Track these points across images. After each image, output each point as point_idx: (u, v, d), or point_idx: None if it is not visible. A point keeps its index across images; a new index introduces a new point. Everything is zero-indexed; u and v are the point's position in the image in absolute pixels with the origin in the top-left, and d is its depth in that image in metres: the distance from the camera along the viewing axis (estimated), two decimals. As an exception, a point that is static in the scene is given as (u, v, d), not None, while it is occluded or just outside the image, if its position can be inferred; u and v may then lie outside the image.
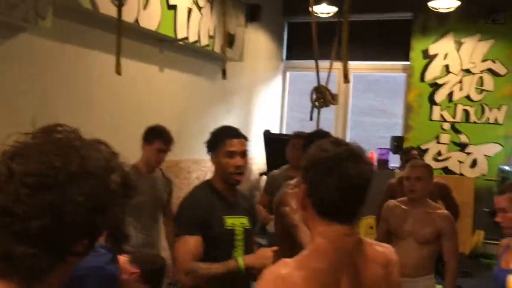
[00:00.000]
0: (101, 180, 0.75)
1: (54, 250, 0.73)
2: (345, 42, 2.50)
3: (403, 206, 2.94)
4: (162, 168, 3.24)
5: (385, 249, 1.31)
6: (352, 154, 1.21)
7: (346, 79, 2.44)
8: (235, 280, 1.97)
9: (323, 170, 1.20)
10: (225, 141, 2.10)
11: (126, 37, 3.64)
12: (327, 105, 5.13)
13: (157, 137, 3.01)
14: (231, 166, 2.08)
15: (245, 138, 2.16)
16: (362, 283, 1.19)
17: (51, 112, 3.48)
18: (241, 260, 1.99)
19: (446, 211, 2.93)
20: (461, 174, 6.88)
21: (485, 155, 6.78)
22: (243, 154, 2.12)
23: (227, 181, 2.14)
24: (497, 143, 6.73)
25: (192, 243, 2.01)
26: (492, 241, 6.49)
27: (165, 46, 4.67)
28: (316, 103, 5.08)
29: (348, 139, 7.87)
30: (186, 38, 4.60)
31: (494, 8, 6.53)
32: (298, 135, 3.56)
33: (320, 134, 2.96)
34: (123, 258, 2.15)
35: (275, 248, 2.02)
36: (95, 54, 3.84)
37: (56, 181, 0.72)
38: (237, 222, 2.12)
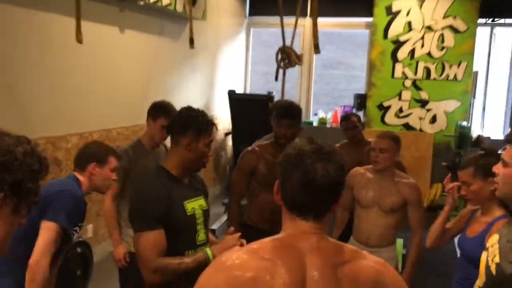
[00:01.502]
0: (7, 150, 1.06)
1: None
2: (314, 15, 2.44)
3: (368, 174, 2.91)
4: (165, 144, 3.18)
5: (377, 265, 1.22)
6: (320, 152, 1.20)
7: (316, 49, 2.40)
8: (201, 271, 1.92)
9: (288, 165, 1.22)
10: (210, 130, 2.02)
11: (84, -2, 3.46)
12: (292, 66, 5.10)
13: (162, 114, 2.94)
14: (207, 155, 2.05)
15: None
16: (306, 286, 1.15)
17: (9, 80, 3.33)
18: (209, 251, 1.93)
19: (412, 180, 2.90)
20: (421, 130, 7.08)
21: (444, 111, 6.99)
22: None
23: (194, 168, 2.07)
24: (456, 99, 6.93)
25: (155, 238, 1.88)
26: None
27: (125, 6, 4.48)
28: (282, 64, 5.03)
29: (312, 93, 7.91)
30: (147, -3, 4.42)
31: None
32: None
33: (282, 108, 2.96)
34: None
35: (239, 234, 1.98)
36: (52, 17, 3.64)
37: None
38: (196, 206, 2.04)
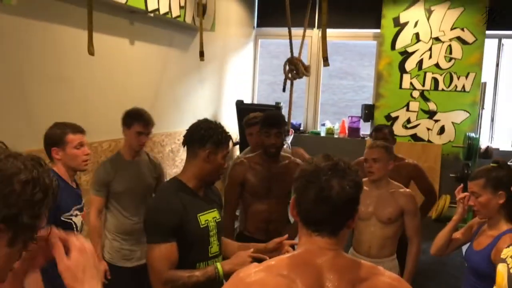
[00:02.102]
0: (7, 177, 0.93)
1: None
2: (324, 29, 2.47)
3: (364, 187, 2.90)
4: (149, 153, 3.21)
5: (393, 281, 1.24)
6: (335, 168, 1.21)
7: (325, 62, 2.42)
8: (212, 284, 1.92)
9: (304, 182, 1.23)
10: (228, 143, 2.06)
11: (96, 10, 3.50)
12: (300, 77, 5.13)
13: (135, 120, 2.99)
14: (223, 167, 2.06)
15: None
16: None
17: (21, 91, 3.37)
18: (220, 266, 1.94)
19: (408, 190, 2.91)
20: (429, 141, 7.07)
21: (452, 122, 6.98)
22: None
23: (210, 180, 2.09)
24: (464, 110, 6.91)
25: (167, 250, 1.89)
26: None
27: (135, 18, 4.53)
28: (289, 75, 5.06)
29: (319, 103, 7.93)
30: (157, 9, 4.47)
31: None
32: (254, 123, 3.56)
33: (271, 118, 3.02)
34: None
35: (251, 250, 1.97)
36: (64, 29, 3.70)
37: None
38: (210, 218, 2.05)
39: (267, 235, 2.94)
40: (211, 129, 2.02)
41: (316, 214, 1.21)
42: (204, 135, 2.00)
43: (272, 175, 2.98)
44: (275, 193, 2.97)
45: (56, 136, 2.33)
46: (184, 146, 2.08)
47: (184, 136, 2.09)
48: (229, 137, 2.07)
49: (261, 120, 3.10)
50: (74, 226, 2.33)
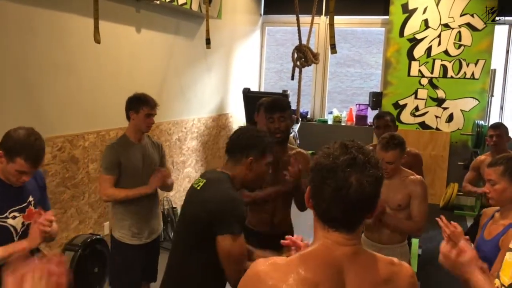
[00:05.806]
0: None
1: None
2: (331, 15, 2.43)
3: None
4: (149, 135, 3.28)
5: (411, 279, 1.24)
6: (354, 164, 1.14)
7: (333, 49, 2.38)
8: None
9: (320, 177, 1.17)
10: (271, 152, 2.10)
11: (101, -2, 3.49)
12: (309, 65, 5.07)
13: (143, 104, 3.08)
14: (267, 173, 2.11)
15: None
16: None
17: (29, 79, 3.37)
18: None
19: (419, 177, 2.89)
20: (438, 129, 7.02)
21: (461, 110, 6.91)
22: None
23: (254, 186, 2.15)
24: (473, 98, 6.85)
25: (243, 241, 1.94)
26: (464, 193, 6.73)
27: (141, 6, 4.51)
28: (298, 63, 5.01)
29: (327, 91, 7.89)
30: (163, -3, 4.45)
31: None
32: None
33: (274, 103, 2.96)
34: None
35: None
36: (70, 17, 3.68)
37: None
38: None
39: (272, 228, 2.87)
40: (258, 137, 2.06)
41: (332, 212, 1.16)
42: (248, 144, 2.04)
43: (278, 164, 2.85)
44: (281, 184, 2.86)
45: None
46: (226, 152, 2.12)
47: (227, 143, 2.12)
48: (273, 145, 2.10)
49: (264, 106, 3.03)
50: (12, 229, 2.14)
